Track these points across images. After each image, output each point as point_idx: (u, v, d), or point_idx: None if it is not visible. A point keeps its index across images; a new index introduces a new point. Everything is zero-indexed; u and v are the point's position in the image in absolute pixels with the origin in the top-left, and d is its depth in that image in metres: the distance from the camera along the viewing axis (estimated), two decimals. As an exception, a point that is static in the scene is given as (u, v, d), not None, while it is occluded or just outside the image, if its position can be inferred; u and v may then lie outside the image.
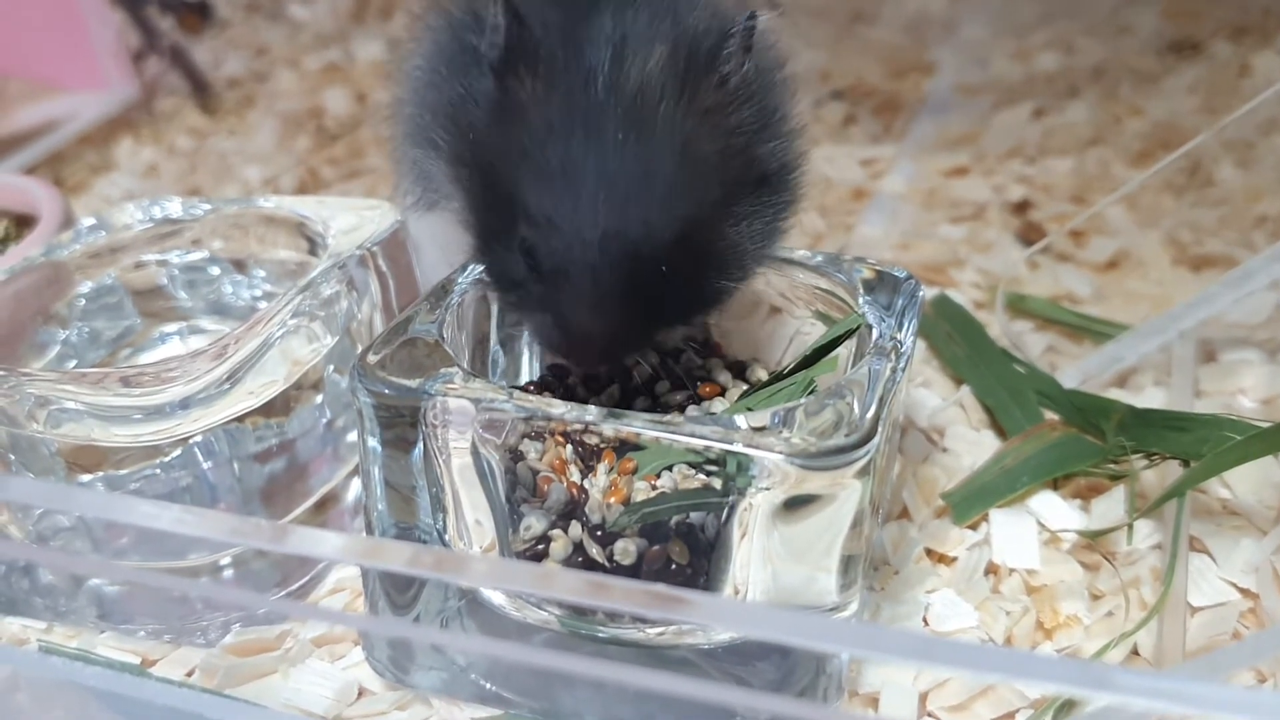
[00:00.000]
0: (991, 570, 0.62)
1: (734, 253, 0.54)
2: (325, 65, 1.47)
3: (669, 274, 0.51)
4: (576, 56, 0.50)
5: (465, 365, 0.52)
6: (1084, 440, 0.67)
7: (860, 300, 0.57)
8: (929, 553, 0.63)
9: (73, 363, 0.69)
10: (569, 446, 0.50)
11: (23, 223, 0.89)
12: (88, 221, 0.73)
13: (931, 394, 0.76)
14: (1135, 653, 0.56)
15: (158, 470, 0.60)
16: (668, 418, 0.47)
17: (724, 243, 0.54)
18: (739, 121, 0.53)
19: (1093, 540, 0.62)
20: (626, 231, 0.49)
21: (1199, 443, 0.63)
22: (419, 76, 0.61)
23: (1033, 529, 0.63)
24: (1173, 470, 0.65)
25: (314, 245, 0.70)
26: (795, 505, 0.47)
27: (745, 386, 0.59)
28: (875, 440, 0.46)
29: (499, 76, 0.52)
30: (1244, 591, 0.59)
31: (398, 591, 0.55)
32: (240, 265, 0.74)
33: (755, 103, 0.53)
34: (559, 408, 0.48)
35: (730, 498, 0.47)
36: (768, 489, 0.46)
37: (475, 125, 0.54)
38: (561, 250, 0.50)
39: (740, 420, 0.47)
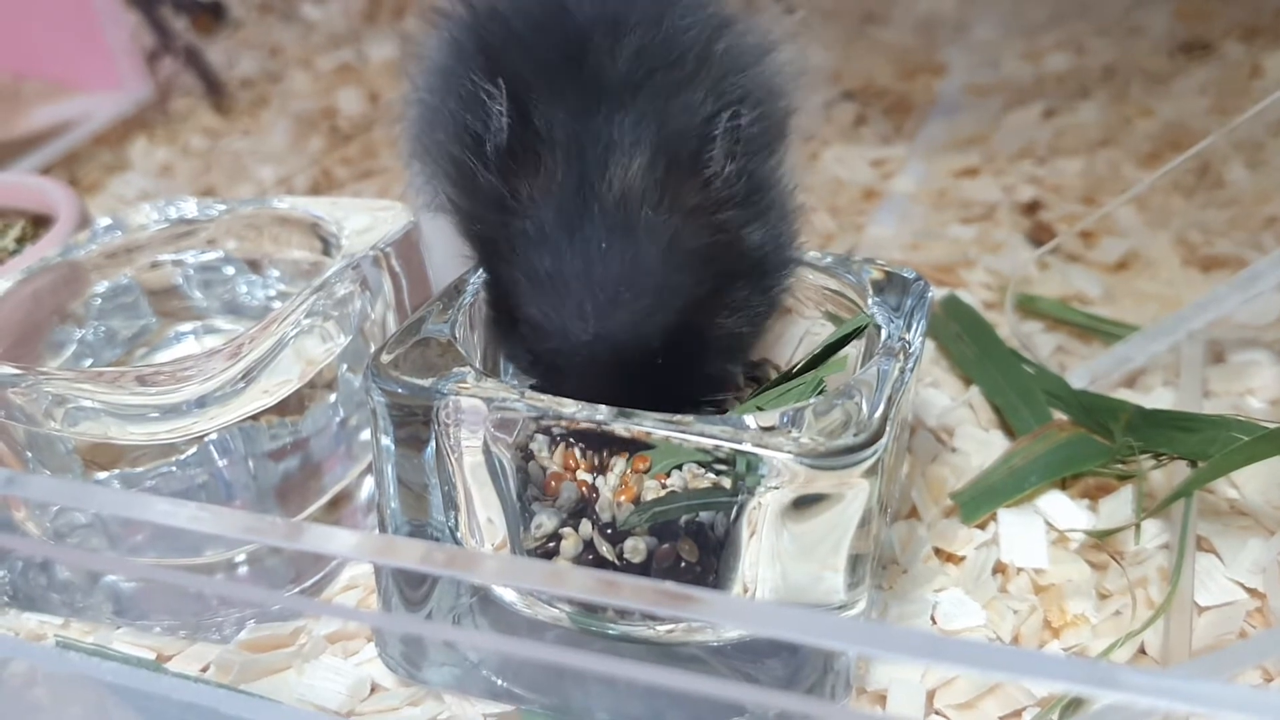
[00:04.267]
0: (999, 569, 0.62)
1: (731, 339, 0.55)
2: (338, 65, 1.47)
3: (665, 366, 0.52)
4: (572, 161, 0.51)
5: (477, 365, 0.52)
6: (1092, 440, 0.67)
7: (869, 301, 0.57)
8: (937, 552, 0.63)
9: (89, 361, 0.70)
10: (580, 445, 0.50)
11: (39, 223, 0.90)
12: (104, 222, 0.73)
13: (940, 394, 0.76)
14: (1142, 652, 0.57)
15: (173, 468, 0.61)
16: (678, 417, 0.48)
17: (720, 331, 0.54)
18: (725, 219, 0.53)
19: (1100, 540, 0.62)
20: (614, 335, 0.51)
21: (1207, 443, 0.63)
22: (424, 90, 0.61)
23: (1041, 528, 0.63)
24: (1181, 470, 0.65)
25: (328, 245, 0.71)
26: (804, 504, 0.47)
27: (755, 386, 0.60)
28: (883, 440, 0.47)
29: (500, 173, 0.52)
30: (1251, 591, 0.59)
31: (410, 588, 0.55)
32: (255, 265, 0.75)
33: (745, 194, 0.53)
34: (570, 407, 0.48)
35: (739, 497, 0.48)
36: (777, 488, 0.46)
37: (479, 195, 0.54)
38: (551, 352, 0.52)
39: (750, 420, 0.47)
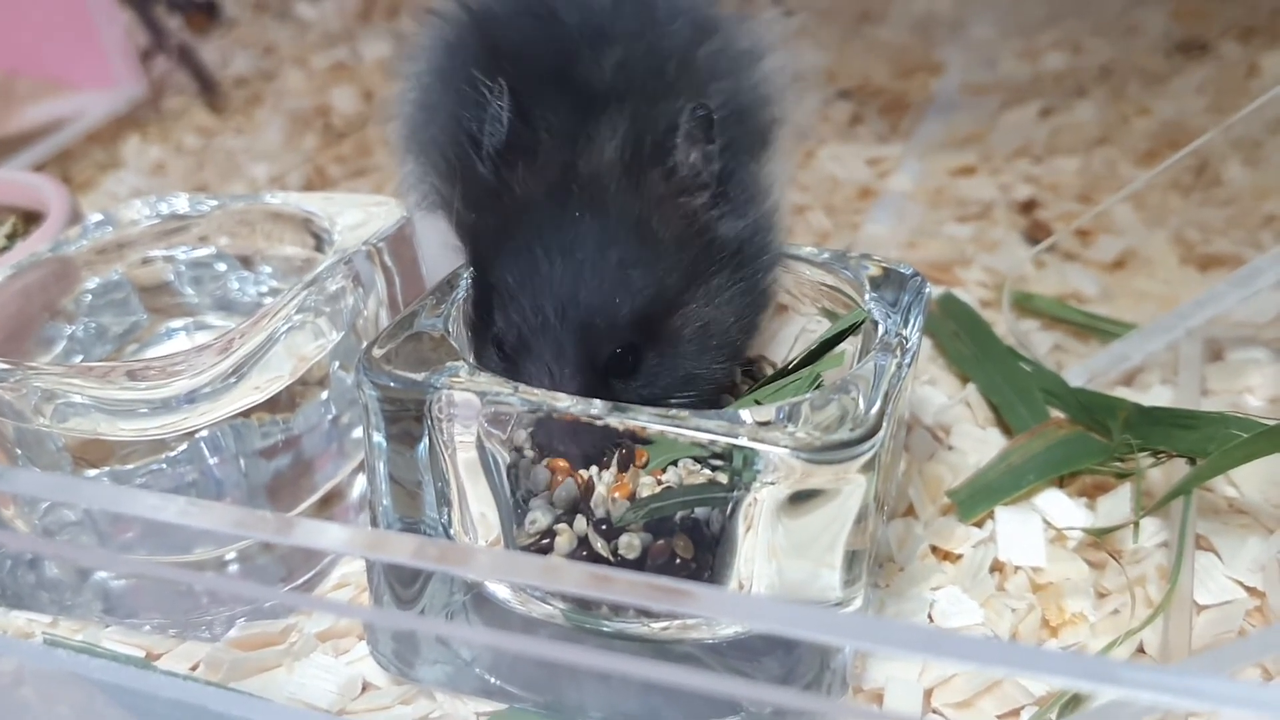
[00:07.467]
0: (997, 568, 0.61)
1: (714, 329, 0.55)
2: (332, 64, 1.47)
3: (642, 354, 0.53)
4: (562, 151, 0.53)
5: (471, 360, 0.52)
6: (1090, 438, 0.67)
7: (866, 296, 0.57)
8: (934, 550, 0.63)
9: (79, 358, 0.69)
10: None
11: (30, 219, 0.89)
12: (95, 218, 0.73)
13: (937, 392, 0.76)
14: (1141, 650, 0.56)
15: (164, 465, 0.60)
16: (673, 411, 0.47)
17: (700, 323, 0.54)
18: (694, 208, 0.54)
19: (1099, 538, 0.62)
20: (583, 304, 0.51)
21: (1206, 440, 0.63)
22: (419, 89, 0.61)
23: (1038, 527, 0.63)
24: (1179, 468, 0.65)
25: (320, 241, 0.70)
26: (800, 500, 0.46)
27: (751, 383, 0.59)
28: (880, 435, 0.46)
29: (495, 168, 0.54)
30: (1250, 590, 0.58)
31: (402, 586, 0.54)
32: (247, 261, 0.74)
33: (718, 188, 0.54)
34: (564, 401, 0.48)
35: (735, 492, 0.47)
36: (773, 483, 0.46)
37: (473, 191, 0.55)
38: (521, 321, 0.52)
39: (746, 414, 0.47)
